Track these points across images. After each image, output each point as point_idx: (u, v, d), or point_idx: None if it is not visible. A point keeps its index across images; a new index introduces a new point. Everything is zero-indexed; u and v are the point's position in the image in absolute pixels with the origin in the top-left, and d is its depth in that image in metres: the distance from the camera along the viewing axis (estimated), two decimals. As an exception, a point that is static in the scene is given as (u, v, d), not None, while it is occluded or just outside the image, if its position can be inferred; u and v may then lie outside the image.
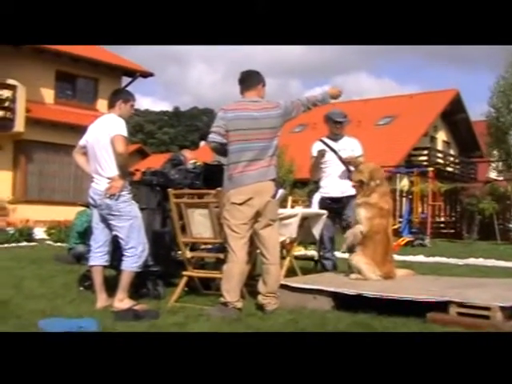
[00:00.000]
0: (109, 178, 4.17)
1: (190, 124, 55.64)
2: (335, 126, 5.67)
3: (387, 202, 4.72)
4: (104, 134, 4.18)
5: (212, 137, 4.12)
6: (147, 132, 51.77)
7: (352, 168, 5.58)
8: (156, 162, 15.06)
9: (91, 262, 4.39)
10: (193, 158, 5.61)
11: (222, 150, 4.15)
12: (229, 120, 4.07)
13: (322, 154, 5.56)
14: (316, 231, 5.40)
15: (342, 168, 5.61)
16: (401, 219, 15.45)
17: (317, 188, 5.93)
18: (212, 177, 5.16)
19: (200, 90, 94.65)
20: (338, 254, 5.72)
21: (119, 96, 4.43)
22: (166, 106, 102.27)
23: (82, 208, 7.49)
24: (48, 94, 16.88)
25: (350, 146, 5.65)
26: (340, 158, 5.58)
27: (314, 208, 5.69)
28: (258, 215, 4.08)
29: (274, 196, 4.20)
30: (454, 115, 27.57)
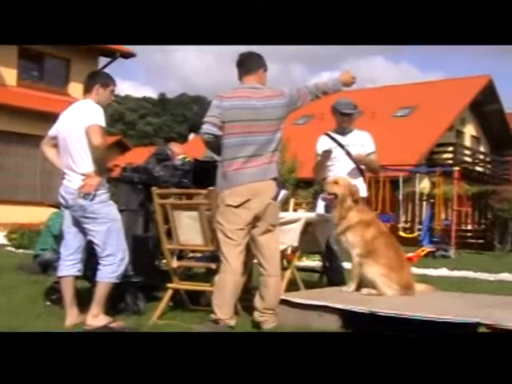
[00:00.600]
0: (83, 175, 4.18)
1: (178, 113, 55.69)
2: (342, 119, 5.66)
3: (367, 213, 4.94)
4: (78, 123, 4.18)
5: (206, 128, 4.13)
6: (128, 122, 51.82)
7: (362, 166, 5.62)
8: (138, 156, 15.09)
9: (61, 272, 4.39)
10: (181, 153, 5.63)
11: (217, 143, 4.16)
12: (225, 109, 4.08)
13: (327, 155, 5.50)
14: (322, 239, 5.42)
15: (351, 166, 5.61)
16: (420, 226, 15.49)
17: (322, 189, 5.94)
18: (203, 174, 5.17)
19: (189, 74, 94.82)
20: (346, 265, 5.74)
21: (97, 79, 4.43)
22: (150, 92, 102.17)
23: (54, 209, 7.50)
24: (9, 75, 16.74)
25: (360, 141, 5.64)
26: (349, 155, 5.59)
27: (319, 212, 5.69)
28: (256, 219, 4.10)
29: (275, 198, 4.21)
30: (484, 106, 27.59)
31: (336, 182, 4.88)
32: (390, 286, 4.62)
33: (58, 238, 7.04)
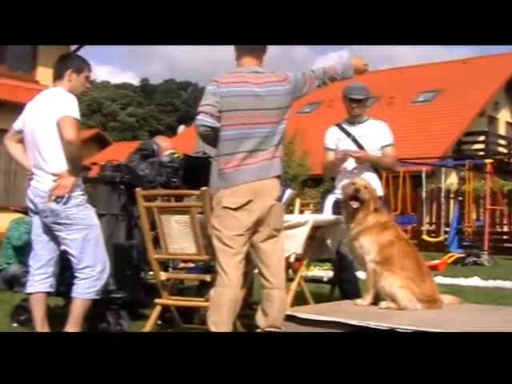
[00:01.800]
0: (54, 175, 4.18)
1: (165, 102, 55.73)
2: (351, 106, 5.67)
3: (382, 215, 4.98)
4: (47, 114, 4.18)
5: (202, 119, 4.11)
6: (108, 113, 51.82)
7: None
8: (119, 152, 15.12)
9: (30, 289, 4.40)
10: (169, 148, 5.64)
11: (214, 136, 4.16)
12: (224, 97, 4.08)
13: (343, 158, 5.53)
14: (332, 244, 5.43)
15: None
16: (448, 229, 15.50)
17: (333, 187, 5.96)
18: (195, 172, 5.19)
19: (175, 57, 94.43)
20: (361, 275, 5.76)
21: (69, 64, 4.43)
22: (130, 78, 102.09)
23: (19, 215, 7.52)
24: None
25: (373, 132, 5.65)
26: (361, 148, 5.60)
27: (326, 213, 5.70)
28: (258, 224, 4.11)
29: (279, 198, 4.23)
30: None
31: (365, 188, 4.90)
32: (411, 300, 4.63)
33: (21, 249, 7.09)
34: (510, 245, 16.66)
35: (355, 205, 4.83)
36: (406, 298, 4.63)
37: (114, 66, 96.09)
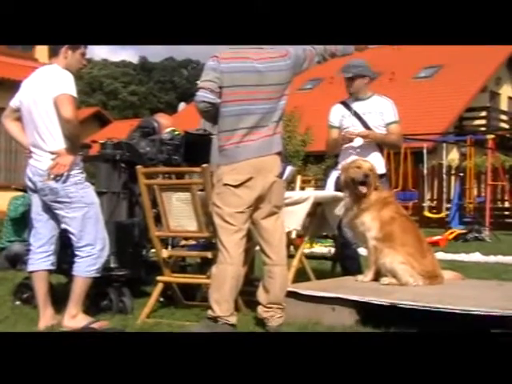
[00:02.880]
0: (53, 153, 4.16)
1: (165, 80, 55.53)
2: (345, 83, 5.71)
3: (383, 191, 5.04)
4: (44, 92, 4.14)
5: (202, 95, 4.08)
6: (109, 91, 51.67)
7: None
8: (120, 130, 15.09)
9: (31, 267, 4.39)
10: (169, 125, 5.62)
11: (214, 113, 4.14)
12: (224, 72, 4.06)
13: (347, 138, 5.57)
14: (333, 220, 5.43)
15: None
16: (449, 205, 15.50)
17: (336, 164, 5.95)
18: (196, 150, 5.17)
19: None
20: (362, 251, 5.76)
21: None
22: (129, 56, 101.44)
23: (19, 193, 7.53)
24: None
25: (378, 109, 5.64)
26: (365, 125, 5.59)
27: (330, 190, 5.70)
28: (259, 200, 4.10)
29: (280, 175, 4.22)
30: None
31: (371, 170, 4.92)
32: (412, 275, 4.64)
33: (18, 222, 7.12)
34: (511, 220, 16.69)
35: (364, 190, 4.84)
36: (408, 274, 4.64)
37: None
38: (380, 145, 5.69)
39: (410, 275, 4.64)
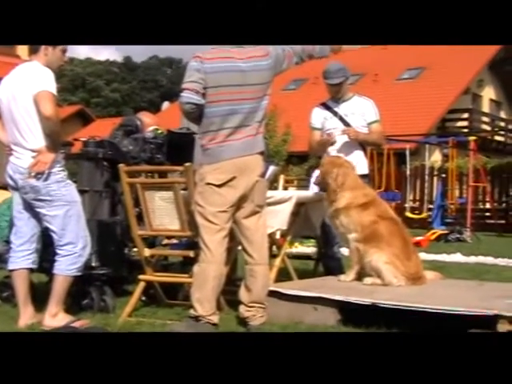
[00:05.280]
0: (34, 151, 4.13)
1: (149, 79, 55.38)
2: (331, 90, 5.74)
3: (361, 195, 4.95)
4: (24, 89, 4.11)
5: (187, 96, 4.06)
6: (91, 89, 51.46)
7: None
8: (103, 128, 15.01)
9: (12, 265, 4.37)
10: (152, 124, 5.61)
11: (198, 113, 4.13)
12: (208, 73, 4.05)
13: (329, 141, 5.60)
14: (316, 220, 5.45)
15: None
16: (431, 206, 15.59)
17: (318, 164, 5.97)
18: (178, 148, 5.17)
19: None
20: (344, 251, 5.79)
21: None
22: (113, 55, 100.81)
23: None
24: None
25: (360, 109, 5.68)
26: (347, 126, 5.62)
27: (313, 189, 5.72)
28: (242, 200, 4.11)
29: (263, 174, 4.23)
30: (507, 64, 27.52)
31: (339, 166, 4.99)
32: (396, 276, 4.66)
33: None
34: (492, 221, 16.82)
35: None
36: (391, 274, 4.66)
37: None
38: (363, 144, 5.73)
39: (394, 276, 4.66)
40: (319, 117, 5.76)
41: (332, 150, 5.60)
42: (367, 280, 4.73)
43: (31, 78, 4.10)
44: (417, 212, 16.57)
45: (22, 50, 17.06)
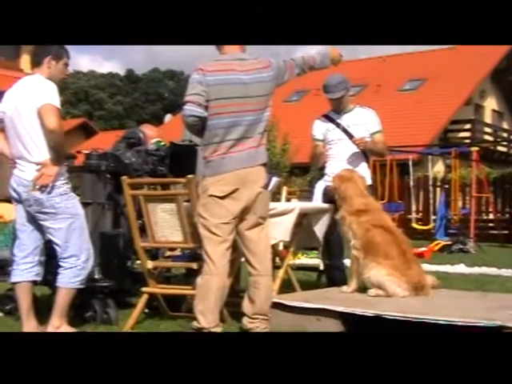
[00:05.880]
0: (37, 164, 4.15)
1: (151, 91, 55.53)
2: (332, 103, 5.75)
3: (361, 203, 5.02)
4: (28, 103, 4.12)
5: (190, 109, 4.05)
6: (94, 101, 51.58)
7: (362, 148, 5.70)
8: (106, 141, 15.02)
9: (15, 278, 4.37)
10: (155, 136, 5.63)
11: (201, 126, 4.13)
12: (210, 85, 4.05)
13: (320, 151, 5.73)
14: (319, 232, 5.44)
15: (353, 149, 5.65)
16: (434, 217, 15.55)
17: (321, 175, 5.98)
18: (181, 161, 5.18)
19: (157, 46, 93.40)
20: (348, 262, 5.78)
21: (48, 50, 4.33)
22: (114, 67, 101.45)
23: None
24: None
25: (362, 120, 5.69)
26: (351, 137, 5.63)
27: (317, 201, 5.72)
28: (245, 212, 4.11)
29: (265, 186, 4.23)
30: (509, 75, 27.56)
31: (337, 186, 5.12)
32: (399, 286, 4.65)
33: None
34: (495, 232, 16.76)
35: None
36: (395, 285, 4.65)
37: (95, 56, 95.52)
38: (366, 156, 5.73)
39: (398, 286, 4.65)
40: (321, 128, 5.77)
41: (336, 162, 5.62)
42: (371, 292, 4.72)
43: (35, 91, 4.12)
44: (421, 223, 16.53)
45: (25, 63, 17.12)
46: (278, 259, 5.49)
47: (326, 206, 5.46)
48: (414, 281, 4.72)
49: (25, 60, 17.27)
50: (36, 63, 4.31)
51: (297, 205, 5.36)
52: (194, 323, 4.05)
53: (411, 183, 16.59)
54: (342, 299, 4.54)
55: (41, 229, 4.29)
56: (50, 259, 4.41)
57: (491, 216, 17.85)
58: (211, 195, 4.05)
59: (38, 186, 4.11)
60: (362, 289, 4.85)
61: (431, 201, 16.93)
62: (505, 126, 29.32)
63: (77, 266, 4.21)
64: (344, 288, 4.94)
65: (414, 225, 15.80)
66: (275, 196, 6.23)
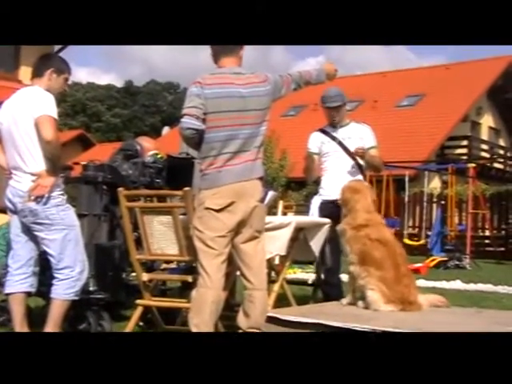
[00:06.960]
0: (33, 175, 4.15)
1: (149, 104, 55.65)
2: (329, 114, 5.78)
3: (362, 218, 4.96)
4: (25, 113, 4.13)
5: (188, 122, 4.05)
6: (92, 113, 51.67)
7: (362, 162, 5.69)
8: (103, 153, 15.05)
9: (9, 289, 4.35)
10: (152, 149, 5.63)
11: (198, 139, 4.13)
12: (208, 98, 4.05)
13: (314, 164, 5.76)
14: (315, 246, 5.43)
15: (349, 162, 5.67)
16: (429, 232, 15.57)
17: (317, 190, 5.98)
18: (178, 173, 5.18)
19: (152, 58, 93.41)
20: (344, 277, 5.77)
21: (51, 63, 4.38)
22: (112, 80, 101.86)
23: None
24: None
25: (357, 134, 5.73)
26: (346, 150, 5.65)
27: (313, 215, 5.73)
28: (240, 225, 4.10)
29: (262, 200, 4.22)
30: (506, 92, 27.69)
31: (350, 192, 5.04)
32: (381, 301, 4.65)
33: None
34: (491, 249, 16.81)
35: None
36: (377, 299, 4.64)
37: (94, 68, 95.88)
38: (362, 170, 5.75)
39: (380, 300, 4.64)
40: (316, 141, 5.80)
41: (331, 174, 5.64)
42: (360, 304, 4.75)
43: (32, 102, 4.12)
44: (415, 239, 16.55)
45: (24, 74, 17.13)
46: (273, 273, 5.48)
47: (322, 220, 5.46)
48: (398, 296, 4.69)
49: (23, 71, 17.26)
50: (37, 75, 4.33)
51: (293, 219, 5.35)
52: (189, 336, 4.03)
53: (406, 199, 16.63)
54: (338, 314, 4.52)
55: (35, 240, 4.28)
56: (45, 270, 4.39)
57: (487, 233, 17.91)
58: (207, 208, 4.04)
59: (33, 197, 4.11)
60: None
61: (425, 216, 16.96)
62: (501, 143, 29.41)
63: (71, 277, 4.20)
64: (342, 301, 4.96)
65: (407, 240, 15.81)
66: (271, 210, 6.23)
